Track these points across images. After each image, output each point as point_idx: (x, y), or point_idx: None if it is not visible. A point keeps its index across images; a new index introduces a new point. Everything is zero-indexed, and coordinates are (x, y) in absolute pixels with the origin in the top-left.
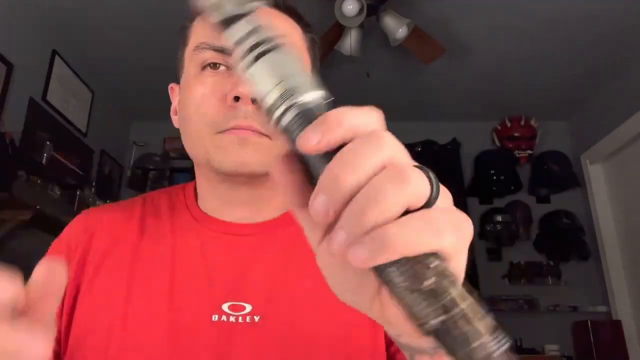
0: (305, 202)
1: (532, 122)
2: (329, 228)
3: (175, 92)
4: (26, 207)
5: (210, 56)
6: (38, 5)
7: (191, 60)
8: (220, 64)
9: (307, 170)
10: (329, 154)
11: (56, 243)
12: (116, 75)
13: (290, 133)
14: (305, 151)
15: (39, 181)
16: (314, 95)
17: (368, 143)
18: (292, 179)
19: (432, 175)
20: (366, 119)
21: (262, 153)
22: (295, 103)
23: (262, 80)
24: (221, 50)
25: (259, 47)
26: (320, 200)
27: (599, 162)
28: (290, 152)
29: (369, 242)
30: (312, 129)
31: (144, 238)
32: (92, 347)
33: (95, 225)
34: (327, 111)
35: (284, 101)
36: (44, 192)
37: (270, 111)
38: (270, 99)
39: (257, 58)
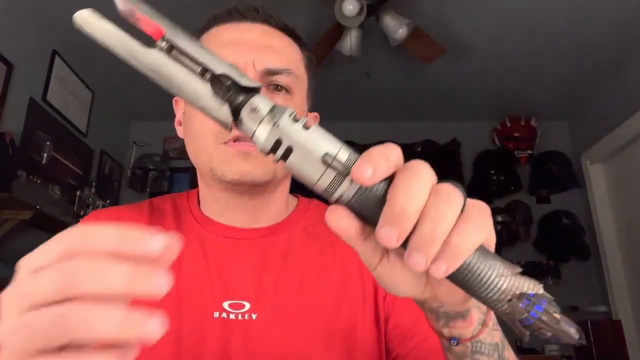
0: (360, 235)
1: (532, 122)
2: (386, 249)
3: (179, 105)
4: (26, 207)
5: None
6: (38, 6)
7: None
8: None
9: (355, 209)
10: (377, 188)
11: None
12: (116, 75)
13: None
14: (361, 183)
15: (39, 181)
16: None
17: (416, 175)
18: (350, 222)
19: (458, 184)
20: (398, 152)
21: (263, 165)
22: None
23: (326, 140)
24: None
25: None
26: (390, 230)
27: (599, 162)
28: (341, 199)
29: (445, 258)
30: (364, 164)
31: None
32: None
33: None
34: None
35: (355, 156)
36: (44, 192)
37: (346, 165)
38: (344, 154)
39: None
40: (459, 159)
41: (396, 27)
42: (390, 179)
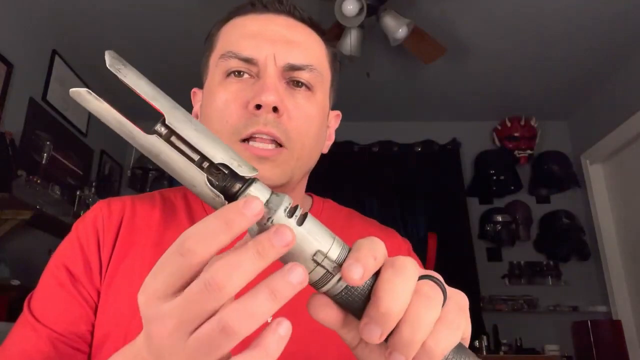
0: (342, 324)
1: (532, 122)
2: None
3: (197, 97)
4: (26, 207)
5: (235, 64)
6: (38, 6)
7: (216, 66)
8: (244, 72)
9: (339, 301)
10: (363, 284)
11: (81, 225)
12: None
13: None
14: (351, 283)
15: (39, 181)
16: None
17: (401, 274)
18: (332, 313)
19: (438, 280)
20: (384, 248)
21: (279, 168)
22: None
23: (318, 237)
24: (247, 60)
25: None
26: (374, 329)
27: (599, 162)
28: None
29: None
30: (355, 265)
31: (165, 231)
32: (114, 346)
33: (121, 213)
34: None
35: (347, 251)
36: (44, 192)
37: (336, 264)
38: (335, 252)
39: (304, 217)
40: (459, 159)
41: (396, 27)
42: (375, 274)
